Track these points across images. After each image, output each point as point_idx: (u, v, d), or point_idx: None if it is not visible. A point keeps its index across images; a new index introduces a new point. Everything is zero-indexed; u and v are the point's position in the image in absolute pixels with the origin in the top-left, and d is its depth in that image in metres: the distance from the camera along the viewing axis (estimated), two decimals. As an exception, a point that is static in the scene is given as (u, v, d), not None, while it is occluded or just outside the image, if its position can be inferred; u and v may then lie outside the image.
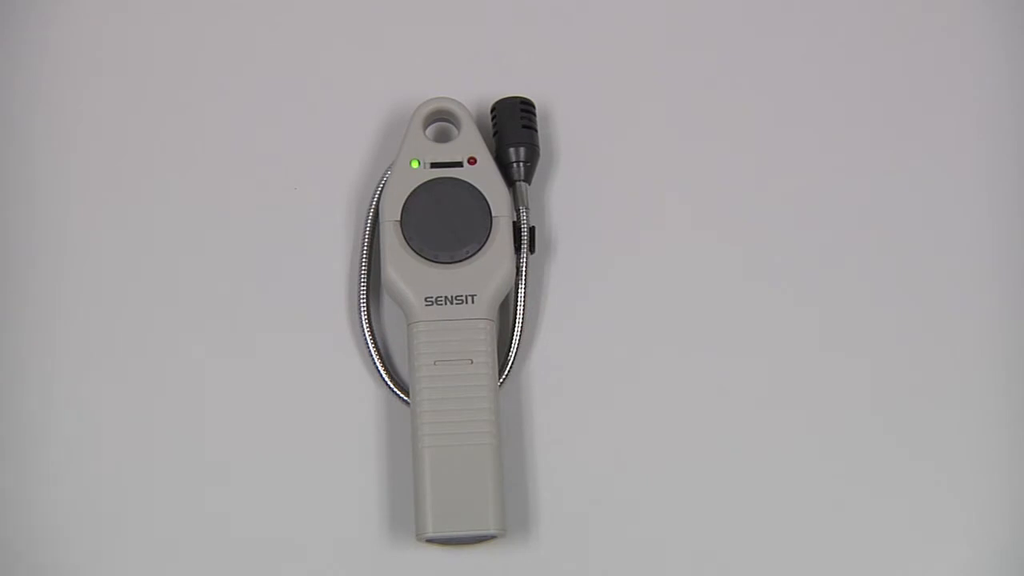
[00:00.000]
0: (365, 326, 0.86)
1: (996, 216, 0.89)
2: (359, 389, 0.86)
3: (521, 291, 0.86)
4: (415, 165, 0.86)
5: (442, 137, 0.89)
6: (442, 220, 0.85)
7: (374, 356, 0.86)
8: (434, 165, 0.86)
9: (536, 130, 0.88)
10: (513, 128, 0.88)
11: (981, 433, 0.86)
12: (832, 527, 0.85)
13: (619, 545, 0.84)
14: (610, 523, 0.85)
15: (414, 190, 0.86)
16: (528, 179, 0.88)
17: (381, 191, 0.87)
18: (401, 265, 0.85)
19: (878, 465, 0.85)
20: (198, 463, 0.85)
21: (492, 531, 0.82)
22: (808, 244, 0.89)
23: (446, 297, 0.84)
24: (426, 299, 0.84)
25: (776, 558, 0.84)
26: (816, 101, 0.91)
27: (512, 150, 0.88)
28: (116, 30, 0.91)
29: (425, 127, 0.88)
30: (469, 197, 0.86)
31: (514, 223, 0.86)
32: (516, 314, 0.86)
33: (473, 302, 0.84)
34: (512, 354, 0.86)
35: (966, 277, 0.88)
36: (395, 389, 0.85)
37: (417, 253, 0.85)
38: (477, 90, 0.90)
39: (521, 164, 0.88)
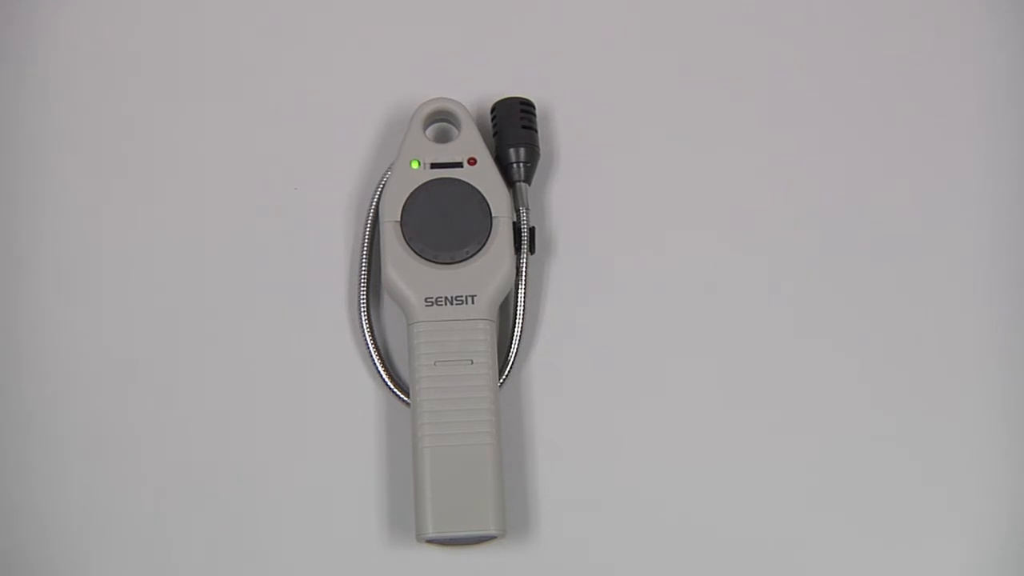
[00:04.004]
0: (365, 326, 0.86)
1: (996, 216, 0.89)
2: (359, 389, 0.86)
3: (521, 291, 0.86)
4: (415, 165, 0.86)
5: (442, 137, 0.89)
6: (442, 220, 0.85)
7: (374, 356, 0.86)
8: (434, 165, 0.86)
9: (536, 130, 0.88)
10: (513, 128, 0.88)
11: (981, 433, 0.86)
12: (832, 527, 0.85)
13: (619, 545, 0.84)
14: (610, 523, 0.85)
15: (414, 190, 0.86)
16: (528, 179, 0.88)
17: (381, 191, 0.87)
18: (401, 265, 0.85)
19: (878, 465, 0.86)
20: (198, 463, 0.85)
21: (492, 531, 0.82)
22: (808, 244, 0.89)
23: (446, 297, 0.84)
24: (426, 299, 0.84)
25: (776, 558, 0.84)
26: (816, 101, 0.91)
27: (512, 150, 0.88)
28: (116, 30, 0.91)
29: (425, 127, 0.87)
30: (469, 198, 0.86)
31: (514, 224, 0.86)
32: (516, 314, 0.86)
33: (473, 302, 0.84)
34: (512, 354, 0.86)
35: (966, 277, 0.88)
36: (395, 389, 0.86)
37: (417, 253, 0.85)
38: (477, 90, 0.90)
39: (521, 164, 0.88)
